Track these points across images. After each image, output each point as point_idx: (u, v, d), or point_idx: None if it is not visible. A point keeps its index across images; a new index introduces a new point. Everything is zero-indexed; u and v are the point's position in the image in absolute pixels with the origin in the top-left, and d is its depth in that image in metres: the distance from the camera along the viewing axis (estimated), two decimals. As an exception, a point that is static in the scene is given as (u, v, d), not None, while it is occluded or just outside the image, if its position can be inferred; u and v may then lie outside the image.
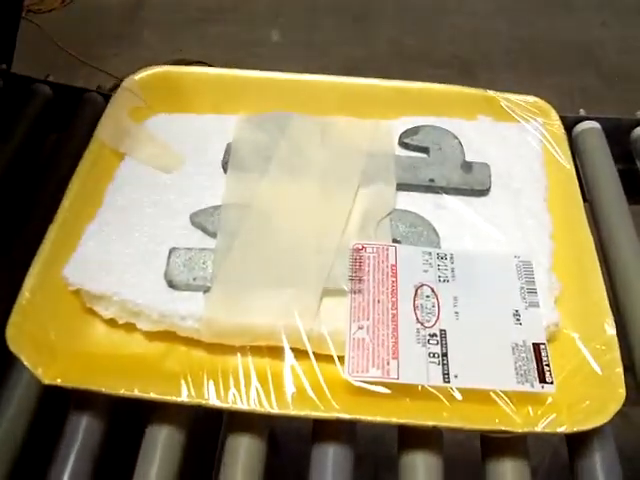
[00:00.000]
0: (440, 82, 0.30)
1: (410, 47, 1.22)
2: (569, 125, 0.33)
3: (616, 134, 0.33)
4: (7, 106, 0.33)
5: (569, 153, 0.28)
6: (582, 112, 0.33)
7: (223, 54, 1.08)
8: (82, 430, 0.22)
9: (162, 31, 1.31)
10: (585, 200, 0.27)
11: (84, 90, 0.34)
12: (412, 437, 0.21)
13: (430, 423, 0.19)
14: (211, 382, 0.21)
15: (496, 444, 0.21)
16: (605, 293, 0.23)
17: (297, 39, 1.23)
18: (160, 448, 0.21)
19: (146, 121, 0.29)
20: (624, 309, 0.24)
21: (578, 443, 0.21)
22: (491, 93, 0.30)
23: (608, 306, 0.22)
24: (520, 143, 0.28)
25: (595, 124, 0.33)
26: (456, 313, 0.22)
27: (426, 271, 0.22)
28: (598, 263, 0.24)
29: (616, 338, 0.21)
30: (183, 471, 0.22)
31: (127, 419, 0.24)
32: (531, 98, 0.30)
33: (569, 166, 0.27)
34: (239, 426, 0.22)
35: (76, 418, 0.22)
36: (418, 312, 0.21)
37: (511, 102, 0.30)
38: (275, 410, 0.20)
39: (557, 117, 0.29)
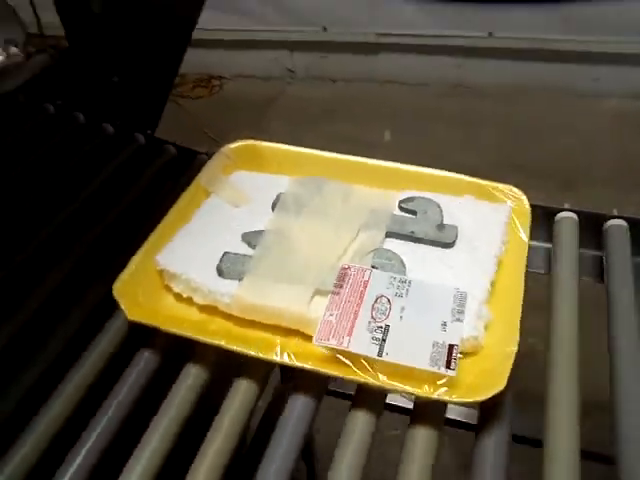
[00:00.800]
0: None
1: (516, 158, 1.32)
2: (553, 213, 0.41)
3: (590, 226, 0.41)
4: (144, 158, 0.49)
5: (528, 229, 0.37)
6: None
7: (334, 149, 1.27)
8: (143, 360, 0.34)
9: (287, 124, 1.55)
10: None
11: (197, 152, 0.49)
12: (365, 395, 0.30)
13: (362, 380, 0.29)
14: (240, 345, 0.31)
15: (420, 409, 0.29)
16: (517, 327, 0.31)
17: (408, 141, 1.38)
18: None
19: (231, 174, 0.43)
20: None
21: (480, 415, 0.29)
22: (481, 182, 0.40)
23: (517, 335, 0.30)
24: (490, 216, 0.37)
25: (572, 214, 0.41)
26: (401, 317, 0.31)
27: (388, 288, 0.32)
28: (520, 305, 0.32)
29: (514, 353, 0.29)
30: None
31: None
32: (510, 187, 0.39)
33: (525, 238, 0.36)
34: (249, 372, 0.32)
35: (139, 353, 0.34)
36: (374, 312, 0.31)
37: (495, 189, 0.39)
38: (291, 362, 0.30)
39: (527, 202, 0.38)
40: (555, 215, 0.41)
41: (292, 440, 0.29)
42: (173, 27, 0.54)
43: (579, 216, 0.41)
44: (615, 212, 0.41)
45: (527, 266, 0.34)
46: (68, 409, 0.32)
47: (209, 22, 1.96)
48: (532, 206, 0.39)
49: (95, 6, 0.56)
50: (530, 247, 0.36)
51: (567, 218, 0.41)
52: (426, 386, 0.28)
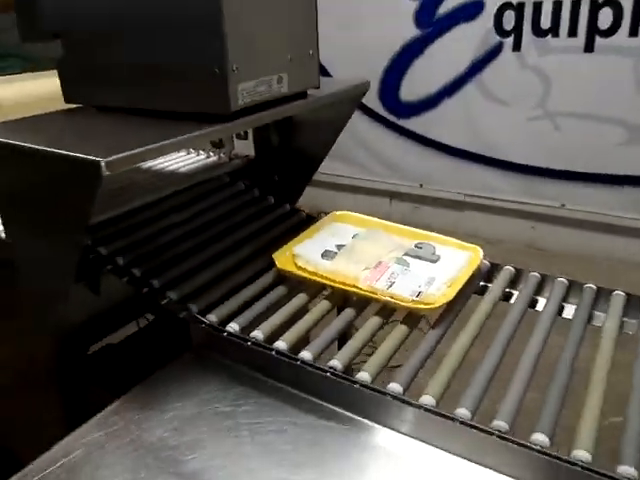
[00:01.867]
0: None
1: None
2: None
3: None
4: (287, 217, 0.91)
5: (476, 264, 0.72)
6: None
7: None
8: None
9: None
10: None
11: (314, 216, 0.90)
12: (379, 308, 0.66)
13: (382, 298, 0.64)
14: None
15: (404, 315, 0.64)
16: (453, 295, 0.65)
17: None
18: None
19: (332, 223, 0.83)
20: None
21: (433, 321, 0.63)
22: (457, 241, 0.76)
23: (451, 297, 0.65)
24: (458, 255, 0.73)
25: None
26: (402, 277, 0.67)
27: (400, 272, 0.69)
28: (456, 291, 0.67)
29: (446, 302, 0.64)
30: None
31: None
32: (475, 246, 0.75)
33: (472, 271, 0.71)
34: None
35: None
36: (390, 277, 0.68)
37: (463, 246, 0.76)
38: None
39: (481, 252, 0.74)
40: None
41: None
42: (314, 150, 0.99)
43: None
44: None
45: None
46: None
47: (326, 167, 2.55)
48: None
49: (274, 141, 1.03)
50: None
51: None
52: (407, 303, 0.63)
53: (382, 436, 0.54)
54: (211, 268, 0.75)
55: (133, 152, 0.52)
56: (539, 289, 0.72)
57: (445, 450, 0.52)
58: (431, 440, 0.53)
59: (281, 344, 0.61)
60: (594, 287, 0.69)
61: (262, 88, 0.66)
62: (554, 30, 2.24)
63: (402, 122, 2.72)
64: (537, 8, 2.24)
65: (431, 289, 0.65)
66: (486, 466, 0.50)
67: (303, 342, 0.63)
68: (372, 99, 2.76)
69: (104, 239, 0.75)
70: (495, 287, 0.71)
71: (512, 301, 0.71)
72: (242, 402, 0.57)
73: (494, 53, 2.38)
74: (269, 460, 0.51)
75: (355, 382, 0.55)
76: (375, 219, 0.84)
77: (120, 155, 0.52)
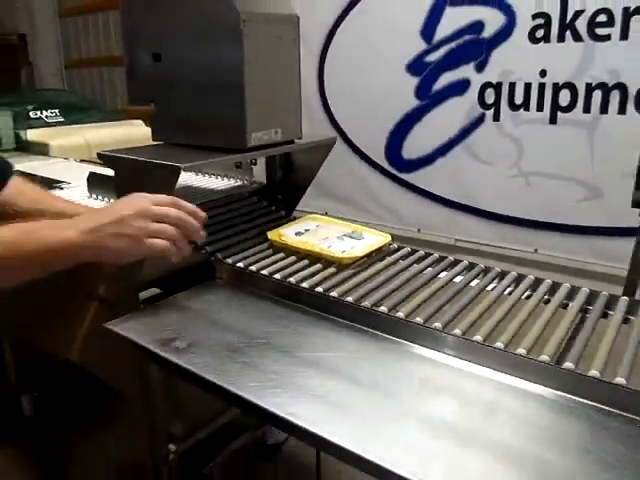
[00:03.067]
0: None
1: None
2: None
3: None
4: (283, 217, 1.43)
5: (387, 239, 1.22)
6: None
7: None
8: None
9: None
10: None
11: (292, 216, 1.42)
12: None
13: (335, 256, 1.15)
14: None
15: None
16: (366, 253, 1.16)
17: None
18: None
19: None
20: None
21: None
22: (382, 233, 1.27)
23: (363, 254, 1.15)
24: (377, 239, 1.23)
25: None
26: (338, 244, 1.18)
27: (337, 241, 1.20)
28: (367, 252, 1.17)
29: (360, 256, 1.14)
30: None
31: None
32: (386, 234, 1.26)
33: (379, 246, 1.21)
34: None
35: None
36: (330, 243, 1.19)
37: (379, 233, 1.26)
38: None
39: (389, 237, 1.24)
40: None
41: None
42: (302, 180, 1.51)
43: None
44: None
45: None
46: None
47: (337, 211, 3.09)
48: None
49: (278, 173, 1.57)
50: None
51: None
52: (337, 255, 1.14)
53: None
54: (233, 239, 1.27)
55: (195, 163, 1.06)
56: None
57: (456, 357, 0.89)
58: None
59: (277, 275, 1.12)
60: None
61: (266, 136, 1.21)
62: (525, 105, 2.78)
63: (403, 176, 3.26)
64: (512, 87, 2.80)
65: (351, 251, 1.15)
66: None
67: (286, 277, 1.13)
68: (380, 156, 3.34)
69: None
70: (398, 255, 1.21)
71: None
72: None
73: (478, 122, 2.93)
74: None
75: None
76: (330, 218, 1.34)
77: (188, 164, 1.06)
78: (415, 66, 3.05)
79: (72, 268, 0.84)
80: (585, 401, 0.78)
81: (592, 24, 2.51)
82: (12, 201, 1.09)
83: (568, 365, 0.81)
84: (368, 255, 1.17)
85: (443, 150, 3.08)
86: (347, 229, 1.28)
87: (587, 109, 2.60)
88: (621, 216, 2.02)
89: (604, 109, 2.56)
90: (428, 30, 2.97)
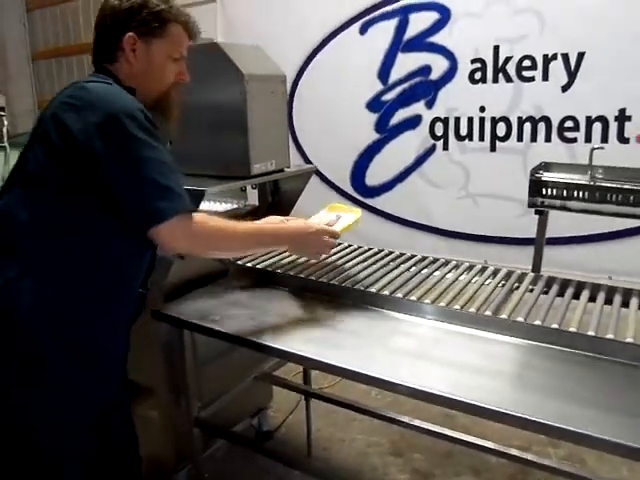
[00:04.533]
0: None
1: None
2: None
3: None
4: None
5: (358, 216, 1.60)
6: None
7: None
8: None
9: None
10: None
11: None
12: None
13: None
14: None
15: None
16: (342, 229, 1.53)
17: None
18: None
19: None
20: None
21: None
22: (355, 209, 1.64)
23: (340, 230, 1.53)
24: (349, 214, 1.61)
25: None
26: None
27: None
28: (344, 228, 1.55)
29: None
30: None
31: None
32: (358, 209, 1.63)
33: (356, 217, 1.59)
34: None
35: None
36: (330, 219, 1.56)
37: (356, 211, 1.64)
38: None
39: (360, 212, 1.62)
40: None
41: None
42: (288, 202, 1.89)
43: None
44: None
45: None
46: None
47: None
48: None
49: (268, 196, 1.95)
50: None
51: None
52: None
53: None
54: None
55: (216, 188, 1.43)
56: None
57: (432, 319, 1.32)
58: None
59: (279, 269, 1.47)
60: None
61: (264, 166, 1.58)
62: (469, 136, 3.26)
63: (367, 200, 3.69)
64: (457, 121, 3.28)
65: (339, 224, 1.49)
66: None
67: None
68: (345, 183, 3.76)
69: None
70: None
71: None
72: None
73: (430, 151, 3.40)
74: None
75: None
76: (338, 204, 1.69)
77: (209, 188, 1.42)
78: (374, 104, 3.51)
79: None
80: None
81: (519, 68, 3.02)
82: None
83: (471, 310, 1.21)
84: (346, 229, 1.48)
85: (401, 177, 3.53)
86: (339, 211, 1.58)
87: (520, 138, 3.10)
88: (552, 228, 2.44)
89: (534, 138, 3.06)
90: (384, 73, 3.44)
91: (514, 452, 1.59)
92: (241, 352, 1.46)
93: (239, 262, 1.54)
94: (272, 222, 1.41)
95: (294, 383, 1.92)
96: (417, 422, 1.76)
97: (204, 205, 1.96)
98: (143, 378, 1.72)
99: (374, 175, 3.62)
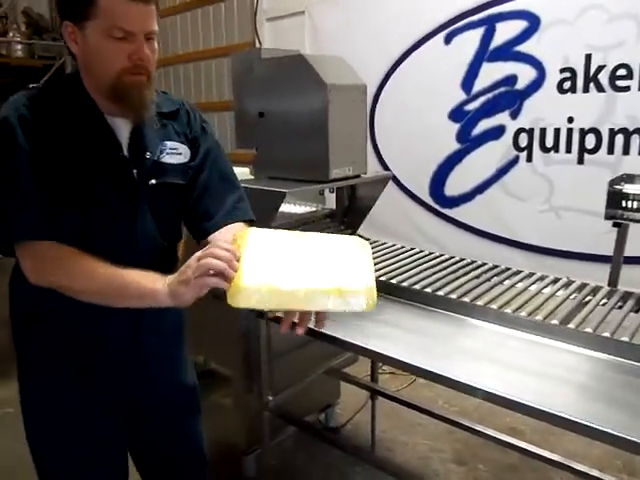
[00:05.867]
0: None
1: None
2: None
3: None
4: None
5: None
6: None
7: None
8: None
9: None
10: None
11: (357, 234, 1.88)
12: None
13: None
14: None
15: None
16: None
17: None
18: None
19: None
20: None
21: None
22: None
23: None
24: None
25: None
26: None
27: None
28: None
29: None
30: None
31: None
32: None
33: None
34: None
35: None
36: None
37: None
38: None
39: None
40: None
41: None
42: (363, 208, 1.98)
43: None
44: None
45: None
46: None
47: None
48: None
49: (345, 201, 2.04)
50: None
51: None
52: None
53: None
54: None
55: (295, 189, 1.55)
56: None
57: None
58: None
59: None
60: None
61: (342, 171, 1.69)
62: (555, 148, 3.20)
63: (446, 211, 3.71)
64: (543, 132, 3.23)
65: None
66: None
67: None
68: (424, 194, 3.80)
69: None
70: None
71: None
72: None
73: (513, 163, 3.37)
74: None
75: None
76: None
77: (289, 190, 1.54)
78: (456, 114, 3.53)
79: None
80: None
81: (613, 77, 2.93)
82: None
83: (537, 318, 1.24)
84: None
85: (481, 188, 3.52)
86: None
87: (611, 151, 3.00)
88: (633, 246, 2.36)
89: (626, 151, 2.95)
90: (467, 83, 3.45)
91: (583, 468, 1.58)
92: (313, 346, 1.56)
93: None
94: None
95: (362, 381, 2.00)
96: (485, 429, 1.78)
97: (285, 207, 2.10)
98: (220, 367, 1.88)
99: (454, 185, 3.63)
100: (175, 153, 1.18)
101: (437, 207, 3.72)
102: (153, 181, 1.15)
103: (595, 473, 1.60)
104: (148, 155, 1.13)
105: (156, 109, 1.14)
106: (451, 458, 2.06)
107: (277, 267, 0.90)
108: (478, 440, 1.95)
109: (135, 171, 1.12)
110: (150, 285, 1.00)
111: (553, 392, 1.07)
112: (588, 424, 0.95)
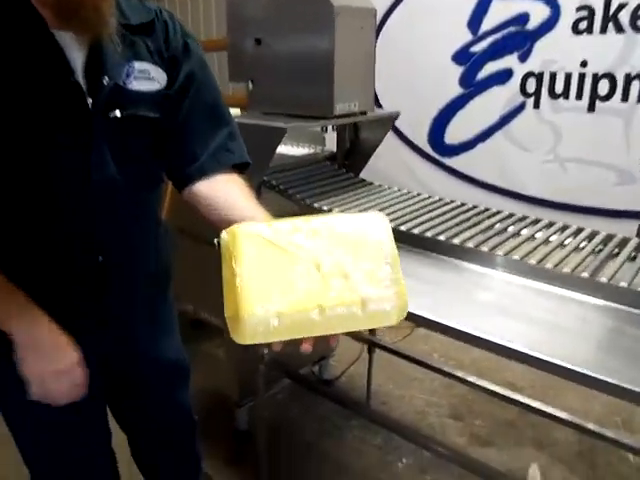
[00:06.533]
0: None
1: None
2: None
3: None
4: (343, 179, 1.77)
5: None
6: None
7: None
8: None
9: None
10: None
11: (357, 177, 1.75)
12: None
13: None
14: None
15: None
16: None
17: None
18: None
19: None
20: None
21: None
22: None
23: None
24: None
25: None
26: None
27: None
28: None
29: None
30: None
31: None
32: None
33: None
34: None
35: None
36: None
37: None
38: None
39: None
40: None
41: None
42: (367, 150, 1.84)
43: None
44: None
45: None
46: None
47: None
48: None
49: (347, 143, 1.90)
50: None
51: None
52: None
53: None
54: (316, 190, 1.61)
55: (296, 124, 1.40)
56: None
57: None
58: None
59: None
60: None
61: (346, 107, 1.54)
62: (565, 94, 3.05)
63: (445, 160, 3.56)
64: (552, 77, 3.06)
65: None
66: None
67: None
68: (423, 141, 3.64)
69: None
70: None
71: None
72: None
73: (519, 109, 3.21)
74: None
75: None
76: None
77: (289, 125, 1.40)
78: (460, 55, 3.34)
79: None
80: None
81: (635, 16, 2.76)
82: (214, 203, 0.98)
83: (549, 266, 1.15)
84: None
85: (484, 136, 3.37)
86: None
87: (625, 98, 2.86)
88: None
89: (642, 98, 2.81)
90: (474, 22, 3.25)
91: (583, 422, 1.54)
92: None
93: (315, 205, 1.53)
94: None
95: (359, 333, 1.92)
96: (483, 383, 1.74)
97: (281, 149, 1.95)
98: (212, 317, 1.78)
99: (455, 133, 3.47)
100: (145, 78, 0.93)
101: (436, 156, 3.58)
102: (117, 113, 0.91)
103: (594, 427, 1.57)
104: (106, 80, 0.88)
105: (122, 20, 0.90)
106: (448, 413, 2.01)
107: (285, 287, 0.72)
108: (475, 395, 1.89)
109: (90, 100, 0.88)
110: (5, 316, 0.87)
111: (564, 344, 1.00)
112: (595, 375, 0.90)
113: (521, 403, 1.64)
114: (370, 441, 1.82)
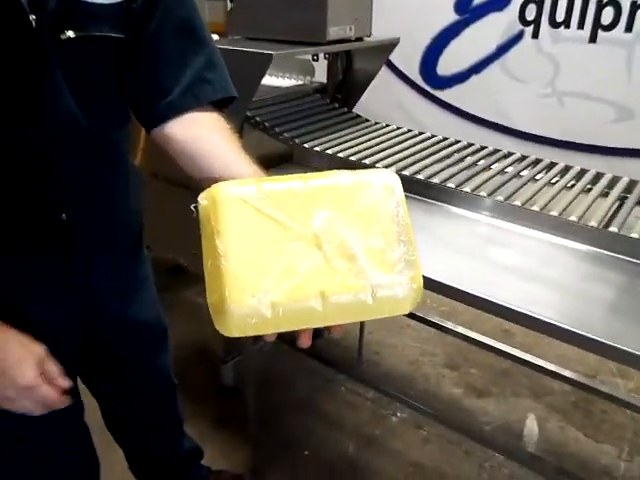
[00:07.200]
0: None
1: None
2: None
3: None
4: (336, 115, 1.61)
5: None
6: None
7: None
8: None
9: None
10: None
11: (351, 111, 1.59)
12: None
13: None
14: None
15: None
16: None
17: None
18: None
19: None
20: None
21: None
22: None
23: None
24: None
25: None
26: None
27: None
28: None
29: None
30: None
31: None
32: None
33: None
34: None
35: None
36: None
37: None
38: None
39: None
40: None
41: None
42: (361, 81, 1.67)
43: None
44: None
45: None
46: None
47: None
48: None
49: (339, 73, 1.72)
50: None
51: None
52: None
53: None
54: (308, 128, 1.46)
55: (285, 52, 1.23)
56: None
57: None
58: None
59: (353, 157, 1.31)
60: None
61: (341, 31, 1.36)
62: (566, 22, 2.86)
63: (437, 92, 3.38)
64: (554, 4, 2.86)
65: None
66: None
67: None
68: (414, 72, 3.43)
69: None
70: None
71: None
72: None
73: (516, 39, 3.02)
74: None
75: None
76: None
77: (279, 52, 1.22)
78: (456, -21, 3.09)
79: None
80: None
81: (645, -62, 2.55)
82: (189, 150, 0.82)
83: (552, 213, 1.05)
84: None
85: (478, 67, 3.18)
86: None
87: (629, 28, 2.68)
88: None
89: (647, 28, 2.64)
90: (473, -60, 2.99)
91: (572, 375, 1.51)
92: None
93: (305, 145, 1.38)
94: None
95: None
96: (474, 335, 1.69)
97: (266, 80, 1.76)
98: (190, 263, 1.65)
99: (448, 63, 3.27)
100: None
101: (427, 88, 3.38)
102: (70, 33, 0.73)
103: (587, 381, 1.55)
104: None
105: None
106: (443, 362, 1.96)
107: (280, 270, 0.59)
108: (469, 343, 1.83)
109: (33, 17, 0.69)
110: None
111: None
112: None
113: (514, 356, 1.61)
114: (363, 394, 1.77)
